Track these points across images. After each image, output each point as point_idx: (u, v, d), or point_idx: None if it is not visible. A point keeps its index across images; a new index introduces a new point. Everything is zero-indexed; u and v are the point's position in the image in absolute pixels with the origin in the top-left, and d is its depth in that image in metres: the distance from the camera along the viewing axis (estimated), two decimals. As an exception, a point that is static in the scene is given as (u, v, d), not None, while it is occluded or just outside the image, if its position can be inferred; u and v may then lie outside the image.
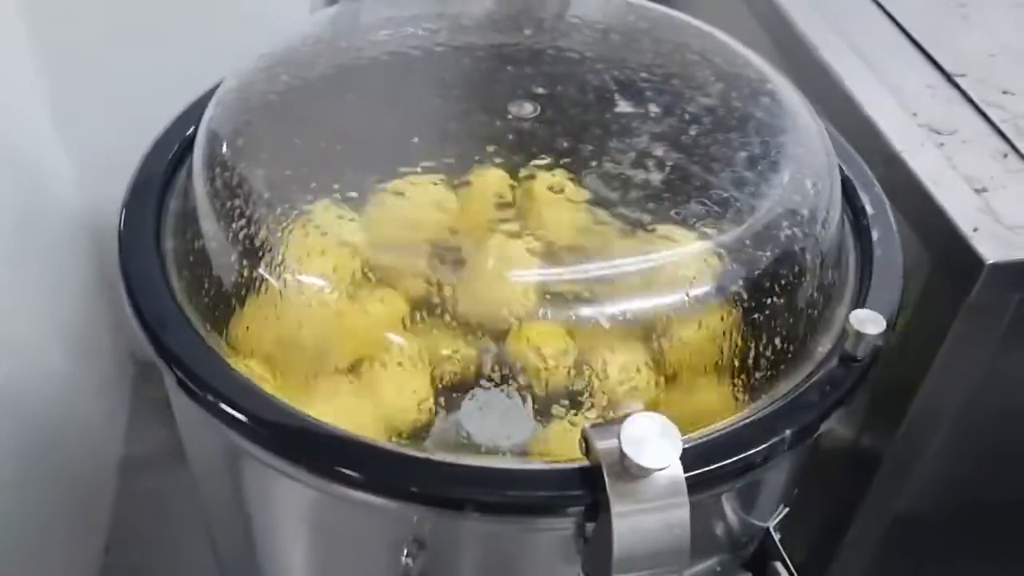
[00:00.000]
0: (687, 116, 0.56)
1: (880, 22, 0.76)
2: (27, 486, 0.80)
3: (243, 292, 0.46)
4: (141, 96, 0.75)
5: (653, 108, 0.56)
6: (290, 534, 0.52)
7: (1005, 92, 0.68)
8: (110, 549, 0.98)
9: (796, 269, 0.49)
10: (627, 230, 0.49)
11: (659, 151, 0.53)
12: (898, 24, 0.75)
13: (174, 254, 0.49)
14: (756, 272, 0.48)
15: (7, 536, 0.75)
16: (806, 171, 0.53)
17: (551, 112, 0.54)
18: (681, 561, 0.39)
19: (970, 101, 0.67)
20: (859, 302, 0.50)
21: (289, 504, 0.48)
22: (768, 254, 0.48)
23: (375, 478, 0.41)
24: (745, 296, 0.47)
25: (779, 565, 0.53)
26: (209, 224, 0.49)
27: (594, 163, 0.52)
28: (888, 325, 0.47)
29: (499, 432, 0.44)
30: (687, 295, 0.46)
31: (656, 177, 0.52)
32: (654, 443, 0.39)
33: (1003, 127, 0.65)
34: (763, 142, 0.54)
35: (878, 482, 0.67)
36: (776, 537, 0.54)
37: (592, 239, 0.49)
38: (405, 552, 0.45)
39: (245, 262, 0.46)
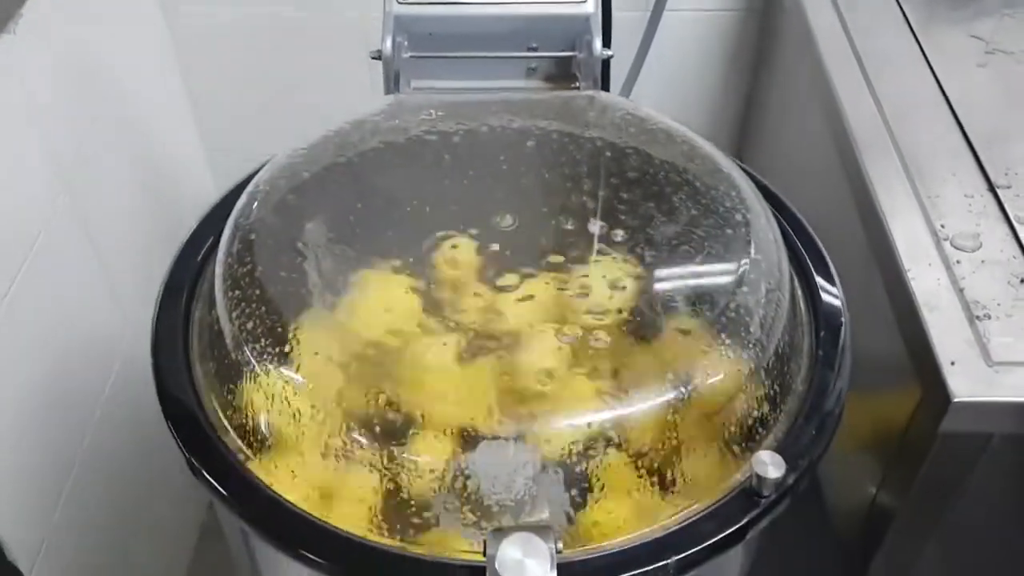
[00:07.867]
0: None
1: (944, 120, 0.74)
2: (118, 535, 0.96)
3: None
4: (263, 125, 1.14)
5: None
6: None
7: (1047, 210, 0.66)
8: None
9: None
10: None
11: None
12: (960, 124, 0.74)
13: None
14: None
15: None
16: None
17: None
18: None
19: (1005, 216, 0.66)
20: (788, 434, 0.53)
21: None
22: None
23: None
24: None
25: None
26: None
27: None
28: (803, 467, 0.50)
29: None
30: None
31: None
32: (526, 563, 0.45)
33: (1029, 248, 0.63)
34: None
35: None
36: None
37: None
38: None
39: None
